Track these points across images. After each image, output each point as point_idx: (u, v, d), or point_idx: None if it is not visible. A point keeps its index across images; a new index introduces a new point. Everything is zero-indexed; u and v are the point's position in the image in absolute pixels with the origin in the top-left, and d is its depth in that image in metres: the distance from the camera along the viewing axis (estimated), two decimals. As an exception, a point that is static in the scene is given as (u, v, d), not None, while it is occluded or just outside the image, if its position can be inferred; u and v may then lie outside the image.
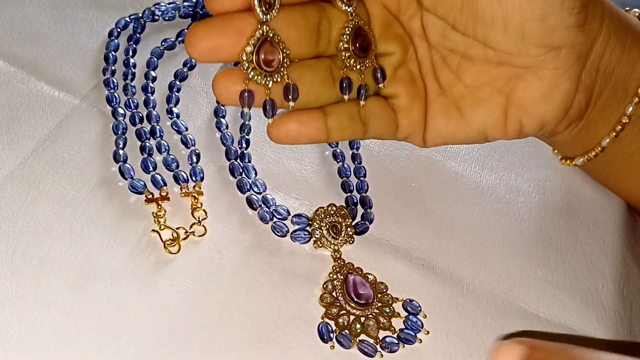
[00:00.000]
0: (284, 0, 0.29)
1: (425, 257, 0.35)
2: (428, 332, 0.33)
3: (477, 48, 0.32)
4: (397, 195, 0.37)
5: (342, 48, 0.31)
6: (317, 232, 0.34)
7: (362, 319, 0.32)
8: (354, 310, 0.32)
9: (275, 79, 0.29)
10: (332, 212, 0.35)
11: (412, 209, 0.37)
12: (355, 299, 0.33)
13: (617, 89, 0.34)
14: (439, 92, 0.34)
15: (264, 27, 0.28)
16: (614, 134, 0.35)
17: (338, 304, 0.33)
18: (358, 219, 0.36)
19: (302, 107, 0.31)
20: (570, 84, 0.32)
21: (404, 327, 0.33)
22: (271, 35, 0.29)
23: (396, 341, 0.32)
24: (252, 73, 0.29)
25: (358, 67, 0.31)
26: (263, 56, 0.29)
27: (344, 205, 0.36)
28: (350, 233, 0.35)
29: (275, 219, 0.35)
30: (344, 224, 0.35)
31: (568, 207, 0.39)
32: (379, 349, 0.32)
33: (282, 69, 0.29)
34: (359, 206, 0.37)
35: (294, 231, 0.34)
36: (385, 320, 0.32)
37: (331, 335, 0.32)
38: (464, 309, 0.34)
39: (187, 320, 0.31)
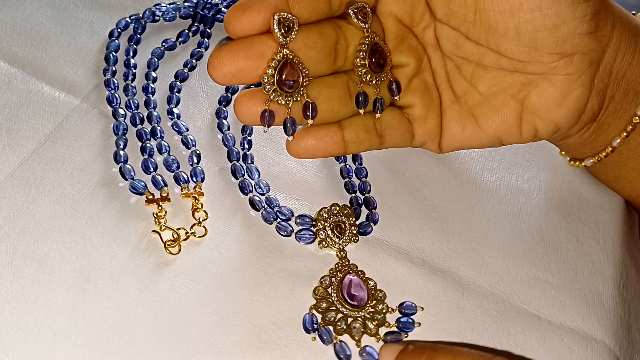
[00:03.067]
0: (302, 21, 0.30)
1: (425, 258, 0.35)
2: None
3: (490, 56, 0.33)
4: (398, 196, 0.37)
5: (359, 64, 0.31)
6: (322, 233, 0.34)
7: (350, 319, 0.32)
8: (344, 309, 0.32)
9: (295, 99, 0.30)
10: (336, 212, 0.35)
11: (413, 209, 0.37)
12: (348, 299, 0.33)
13: (628, 91, 0.35)
14: (453, 100, 0.34)
15: (284, 49, 0.29)
16: (625, 134, 0.36)
17: (330, 299, 0.33)
18: (363, 219, 0.36)
19: (320, 122, 0.32)
20: (583, 89, 0.33)
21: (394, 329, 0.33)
22: (291, 57, 0.30)
23: (376, 355, 0.31)
24: (273, 94, 0.30)
25: (374, 82, 0.32)
26: (284, 78, 0.30)
27: (347, 204, 0.36)
28: (355, 232, 0.35)
29: (278, 220, 0.35)
30: (347, 223, 0.35)
31: (569, 208, 0.39)
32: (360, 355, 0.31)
33: (301, 89, 0.30)
34: (362, 207, 0.37)
35: (299, 231, 0.34)
36: (372, 326, 0.32)
37: (315, 326, 0.32)
38: (464, 310, 0.34)
39: (188, 321, 0.31)
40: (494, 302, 0.34)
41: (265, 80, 0.30)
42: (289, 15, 0.29)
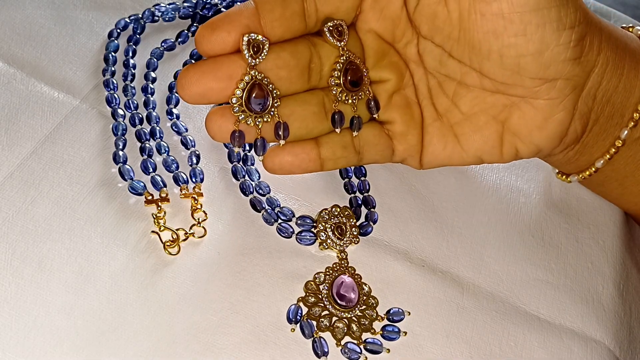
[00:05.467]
0: (274, 39, 0.29)
1: (425, 258, 0.35)
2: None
3: (472, 75, 0.32)
4: (397, 196, 0.37)
5: (334, 83, 0.31)
6: (323, 234, 0.34)
7: (334, 318, 0.32)
8: (330, 307, 0.32)
9: (265, 120, 0.30)
10: (336, 213, 0.35)
11: (412, 210, 0.37)
12: (337, 299, 0.33)
13: (613, 114, 0.34)
14: (435, 117, 0.34)
15: (253, 71, 0.29)
16: (608, 156, 0.35)
17: (319, 295, 0.33)
18: (362, 219, 0.36)
19: (294, 139, 0.31)
20: (565, 113, 0.32)
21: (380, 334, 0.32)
22: (260, 78, 0.29)
23: (358, 349, 0.31)
24: (242, 115, 0.30)
25: (350, 100, 0.31)
26: (252, 100, 0.29)
27: (348, 206, 0.36)
28: (355, 233, 0.35)
29: (279, 221, 0.35)
30: (348, 224, 0.35)
31: (569, 209, 0.39)
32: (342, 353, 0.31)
33: (272, 109, 0.30)
34: (362, 207, 0.37)
35: (299, 232, 0.34)
36: (356, 329, 0.32)
37: (298, 318, 0.32)
38: (464, 310, 0.34)
39: (187, 321, 0.31)
40: (493, 302, 0.34)
41: (234, 102, 0.29)
42: (259, 37, 0.29)
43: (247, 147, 0.37)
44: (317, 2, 0.30)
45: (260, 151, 0.31)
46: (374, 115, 0.32)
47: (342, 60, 0.31)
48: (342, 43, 0.31)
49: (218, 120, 0.30)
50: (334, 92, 0.31)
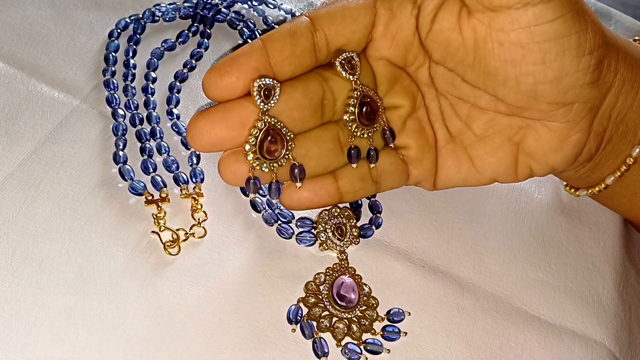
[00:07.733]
0: (284, 78, 0.29)
1: (425, 259, 0.35)
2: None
3: (486, 98, 0.32)
4: (398, 197, 0.37)
5: (349, 119, 0.31)
6: (323, 235, 0.34)
7: (335, 319, 0.32)
8: (331, 308, 0.32)
9: (280, 163, 0.30)
10: (336, 214, 0.35)
11: (413, 210, 0.37)
12: (337, 299, 0.32)
13: (627, 133, 0.34)
14: (448, 139, 0.34)
15: (266, 116, 0.28)
16: (619, 173, 0.35)
17: (319, 296, 0.32)
18: (366, 222, 0.36)
19: (310, 177, 0.31)
20: (581, 134, 0.32)
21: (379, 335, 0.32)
22: (273, 123, 0.29)
23: (358, 350, 0.31)
24: (256, 162, 0.29)
25: (366, 135, 0.31)
26: (267, 147, 0.29)
27: (347, 206, 0.36)
28: (355, 234, 0.35)
29: (279, 222, 0.35)
30: (348, 225, 0.35)
31: (569, 209, 0.39)
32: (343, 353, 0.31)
33: (287, 153, 0.29)
34: (364, 208, 0.36)
35: (299, 233, 0.34)
36: (357, 330, 0.32)
37: (299, 318, 0.32)
38: (464, 310, 0.34)
39: (187, 321, 0.31)
40: (494, 302, 0.34)
41: (247, 150, 0.29)
42: (270, 81, 0.28)
43: None
44: (327, 35, 0.29)
45: (276, 195, 0.30)
46: (390, 145, 0.32)
47: (355, 95, 0.30)
48: (355, 77, 0.30)
49: (232, 166, 0.29)
50: (349, 127, 0.31)
